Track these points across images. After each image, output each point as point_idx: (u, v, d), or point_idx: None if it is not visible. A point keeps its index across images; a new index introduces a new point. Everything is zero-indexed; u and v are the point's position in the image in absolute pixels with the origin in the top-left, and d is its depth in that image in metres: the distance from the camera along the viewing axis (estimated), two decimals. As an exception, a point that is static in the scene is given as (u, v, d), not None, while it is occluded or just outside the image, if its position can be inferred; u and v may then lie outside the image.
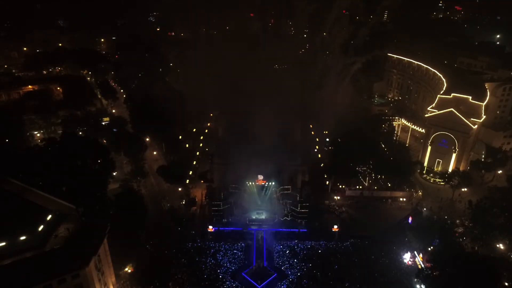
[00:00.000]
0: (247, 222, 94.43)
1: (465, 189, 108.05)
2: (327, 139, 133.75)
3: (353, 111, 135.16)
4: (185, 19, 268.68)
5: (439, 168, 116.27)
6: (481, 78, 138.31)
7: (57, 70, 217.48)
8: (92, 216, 74.63)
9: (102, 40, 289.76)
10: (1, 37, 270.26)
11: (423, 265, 78.42)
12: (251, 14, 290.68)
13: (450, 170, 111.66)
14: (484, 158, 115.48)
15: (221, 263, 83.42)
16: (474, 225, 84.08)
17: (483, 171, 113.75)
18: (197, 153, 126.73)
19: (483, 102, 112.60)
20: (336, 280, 78.50)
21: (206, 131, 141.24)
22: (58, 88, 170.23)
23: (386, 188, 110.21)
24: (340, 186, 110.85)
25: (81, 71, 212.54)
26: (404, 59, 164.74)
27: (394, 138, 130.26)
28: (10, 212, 66.99)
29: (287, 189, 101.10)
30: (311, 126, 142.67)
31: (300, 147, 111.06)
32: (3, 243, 62.39)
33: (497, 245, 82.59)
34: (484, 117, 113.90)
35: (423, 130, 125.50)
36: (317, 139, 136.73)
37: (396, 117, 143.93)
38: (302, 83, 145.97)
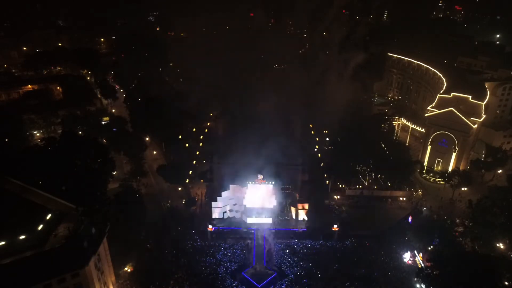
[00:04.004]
0: (247, 221, 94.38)
1: (465, 189, 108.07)
2: (327, 139, 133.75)
3: (353, 110, 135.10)
4: (185, 19, 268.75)
5: (439, 168, 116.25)
6: (481, 77, 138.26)
7: (57, 69, 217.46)
8: (92, 215, 74.41)
9: (102, 39, 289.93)
10: (1, 37, 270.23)
11: (423, 265, 78.39)
12: (251, 14, 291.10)
13: (450, 169, 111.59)
14: (484, 158, 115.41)
15: (221, 262, 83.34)
16: (474, 225, 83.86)
17: (483, 170, 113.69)
18: (197, 153, 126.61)
19: (483, 102, 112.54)
20: (336, 279, 78.37)
21: (206, 130, 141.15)
22: (58, 88, 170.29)
23: (386, 187, 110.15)
24: (340, 186, 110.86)
25: (81, 71, 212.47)
26: (404, 59, 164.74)
27: (394, 138, 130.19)
28: (9, 211, 66.89)
29: (287, 189, 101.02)
30: (311, 125, 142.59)
31: (300, 146, 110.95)
32: (3, 242, 62.25)
33: (497, 245, 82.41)
34: (484, 116, 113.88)
35: (423, 130, 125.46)
36: (317, 139, 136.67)
37: (396, 117, 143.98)
38: (302, 82, 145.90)
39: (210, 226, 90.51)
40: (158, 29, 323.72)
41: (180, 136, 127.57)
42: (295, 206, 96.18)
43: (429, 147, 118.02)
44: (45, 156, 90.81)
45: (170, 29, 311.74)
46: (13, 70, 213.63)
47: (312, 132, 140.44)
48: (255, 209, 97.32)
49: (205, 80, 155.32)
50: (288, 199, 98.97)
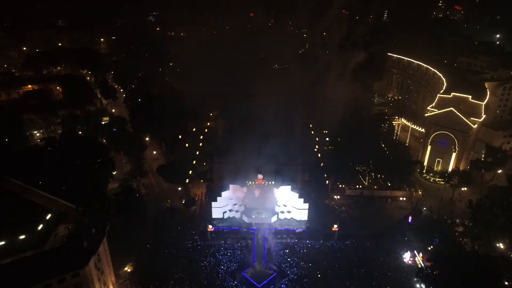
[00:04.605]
0: (247, 221, 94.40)
1: (465, 189, 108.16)
2: (327, 139, 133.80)
3: (353, 110, 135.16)
4: (185, 19, 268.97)
5: (439, 168, 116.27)
6: (481, 77, 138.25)
7: (57, 69, 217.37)
8: (91, 215, 74.51)
9: (102, 39, 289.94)
10: (1, 37, 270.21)
11: (423, 264, 78.41)
12: (251, 14, 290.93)
13: (450, 169, 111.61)
14: (484, 158, 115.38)
15: (221, 262, 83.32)
16: (474, 225, 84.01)
17: (483, 170, 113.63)
18: (197, 153, 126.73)
19: (483, 102, 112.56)
20: (335, 279, 78.36)
21: (206, 130, 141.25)
22: (58, 88, 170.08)
23: (386, 187, 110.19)
24: (340, 186, 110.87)
25: (81, 71, 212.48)
26: (404, 59, 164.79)
27: (394, 138, 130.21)
28: (9, 211, 66.95)
29: (287, 189, 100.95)
30: (311, 125, 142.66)
31: (300, 146, 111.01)
32: (3, 242, 62.32)
33: (497, 244, 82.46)
34: (484, 116, 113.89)
35: (423, 130, 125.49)
36: (317, 139, 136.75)
37: (396, 117, 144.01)
38: (302, 82, 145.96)
39: (210, 226, 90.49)
40: (158, 29, 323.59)
41: (180, 136, 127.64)
42: (295, 206, 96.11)
43: (429, 147, 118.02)
44: (45, 156, 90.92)
45: (170, 29, 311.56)
46: (13, 70, 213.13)
47: (312, 132, 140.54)
48: (255, 209, 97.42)
49: (205, 80, 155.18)
50: (288, 198, 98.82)
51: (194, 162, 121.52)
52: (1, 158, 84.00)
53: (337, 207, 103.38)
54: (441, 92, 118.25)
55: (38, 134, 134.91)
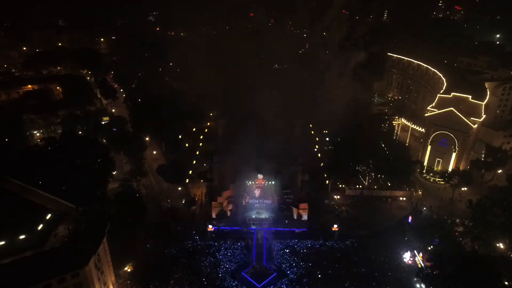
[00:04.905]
0: (247, 221, 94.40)
1: (465, 189, 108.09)
2: (327, 139, 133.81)
3: (353, 110, 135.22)
4: (185, 19, 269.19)
5: (439, 168, 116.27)
6: (481, 77, 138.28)
7: (57, 69, 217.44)
8: (91, 215, 74.53)
9: (102, 39, 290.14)
10: (1, 37, 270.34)
11: (423, 264, 78.40)
12: (251, 14, 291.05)
13: (450, 169, 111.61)
14: (484, 158, 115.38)
15: (221, 262, 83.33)
16: (474, 225, 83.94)
17: (483, 170, 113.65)
18: (197, 153, 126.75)
19: (483, 102, 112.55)
20: (335, 279, 78.37)
21: (206, 130, 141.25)
22: (58, 88, 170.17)
23: (386, 187, 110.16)
24: (340, 186, 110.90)
25: (81, 71, 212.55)
26: (404, 59, 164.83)
27: (394, 138, 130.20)
28: (9, 211, 66.95)
29: (287, 189, 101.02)
30: (311, 125, 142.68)
31: (300, 147, 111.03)
32: (3, 242, 62.34)
33: (497, 244, 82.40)
34: (484, 116, 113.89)
35: (423, 130, 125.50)
36: (317, 139, 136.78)
37: (396, 117, 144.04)
38: (302, 82, 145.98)
39: (210, 226, 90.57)
40: (158, 29, 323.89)
41: (180, 136, 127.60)
42: (296, 206, 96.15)
43: (429, 147, 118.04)
44: (45, 156, 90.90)
45: (170, 29, 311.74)
46: (13, 70, 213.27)
47: (312, 132, 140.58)
48: (255, 208, 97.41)
49: (205, 80, 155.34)
50: (288, 199, 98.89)
51: (194, 162, 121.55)
52: (1, 158, 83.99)
53: (337, 207, 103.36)
54: (441, 92, 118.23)
55: (38, 134, 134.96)
